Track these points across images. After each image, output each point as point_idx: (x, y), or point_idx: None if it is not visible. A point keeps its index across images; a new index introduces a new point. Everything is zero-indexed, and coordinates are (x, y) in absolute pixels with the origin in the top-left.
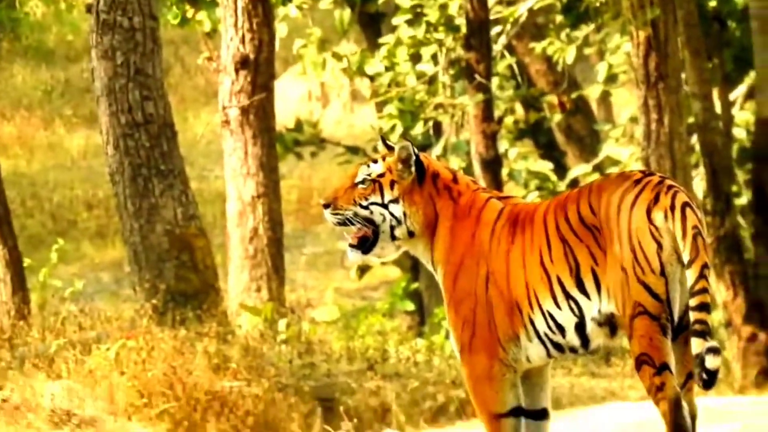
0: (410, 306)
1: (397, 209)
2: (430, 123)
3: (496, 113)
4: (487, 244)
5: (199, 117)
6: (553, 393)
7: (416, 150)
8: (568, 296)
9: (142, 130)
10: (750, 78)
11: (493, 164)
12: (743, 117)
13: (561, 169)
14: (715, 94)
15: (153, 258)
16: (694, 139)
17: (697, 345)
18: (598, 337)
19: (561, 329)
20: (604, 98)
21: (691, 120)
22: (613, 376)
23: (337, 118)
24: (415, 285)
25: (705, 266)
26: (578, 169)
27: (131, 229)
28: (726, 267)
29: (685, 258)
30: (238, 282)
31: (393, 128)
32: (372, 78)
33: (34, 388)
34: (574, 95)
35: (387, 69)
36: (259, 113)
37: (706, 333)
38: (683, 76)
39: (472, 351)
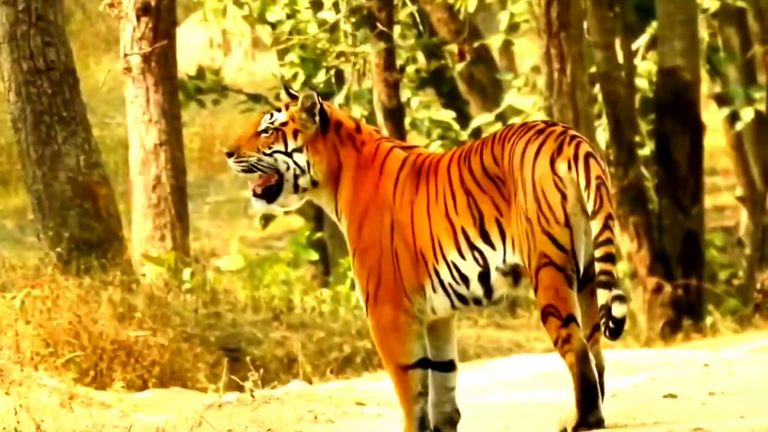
0: (314, 255)
1: (301, 158)
2: (332, 71)
3: (398, 62)
4: (391, 194)
5: (100, 64)
6: (459, 344)
7: (320, 99)
8: (473, 247)
9: (44, 77)
10: (652, 28)
11: (395, 113)
12: (645, 67)
13: (463, 119)
14: (618, 44)
15: (56, 206)
16: (597, 89)
17: (603, 296)
18: (501, 287)
19: (465, 279)
20: (506, 47)
21: (593, 70)
22: (519, 327)
23: (239, 65)
24: (319, 234)
25: (609, 217)
26: (481, 118)
27: (34, 176)
28: (630, 218)
29: (589, 208)
30: (141, 230)
31: (295, 76)
32: (273, 26)
33: None
34: (476, 44)
35: (288, 17)
36: (161, 60)
37: (611, 284)
38: (585, 25)
39: (378, 302)
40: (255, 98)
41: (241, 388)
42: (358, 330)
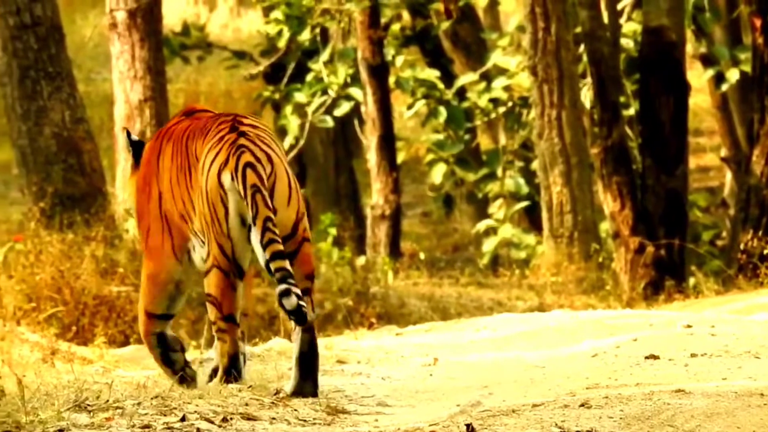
0: None
1: None
2: (317, 29)
3: (383, 20)
4: (155, 164)
5: (86, 19)
6: (440, 303)
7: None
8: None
9: (30, 32)
10: None
11: (379, 71)
12: (631, 27)
13: (448, 77)
14: (603, 3)
15: (41, 160)
16: (582, 49)
17: (288, 304)
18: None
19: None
20: (492, 6)
21: (578, 29)
22: (500, 286)
23: (224, 22)
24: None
25: (267, 219)
26: (465, 77)
27: (19, 131)
28: (613, 178)
29: (249, 215)
30: (125, 186)
31: (279, 33)
32: None
33: None
34: (461, 3)
35: None
36: (147, 16)
37: (286, 278)
38: None
39: (147, 258)
40: (240, 55)
41: None
42: (339, 287)
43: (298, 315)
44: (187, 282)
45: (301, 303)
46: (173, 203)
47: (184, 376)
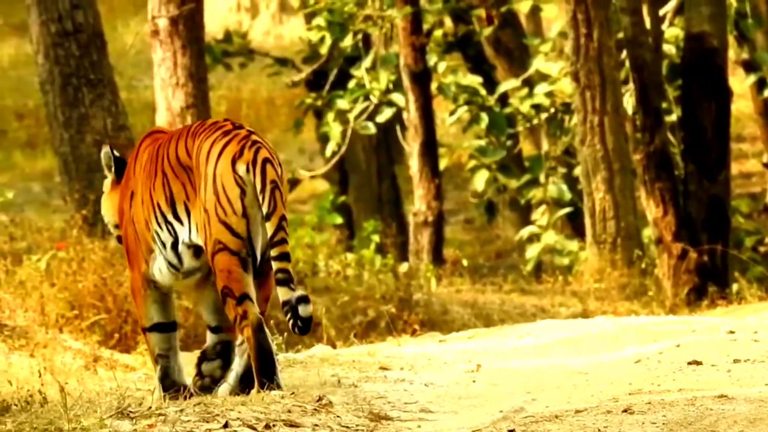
0: (338, 219)
1: None
2: (359, 35)
3: (425, 26)
4: (131, 170)
5: (128, 26)
6: (483, 309)
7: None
8: (166, 220)
9: (72, 39)
10: None
11: (421, 77)
12: (673, 33)
13: (490, 84)
14: (645, 9)
15: (83, 168)
16: (624, 55)
17: (282, 293)
18: (187, 257)
19: (164, 246)
20: (534, 12)
21: (620, 35)
22: (543, 293)
23: (266, 29)
24: (343, 198)
25: (282, 218)
26: (508, 83)
27: (61, 139)
28: (656, 184)
29: (264, 211)
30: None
31: (322, 40)
32: None
33: None
34: (503, 9)
35: None
36: (189, 23)
37: (288, 281)
38: None
39: (130, 267)
40: (282, 62)
41: None
42: (382, 294)
43: (307, 324)
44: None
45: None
46: (141, 209)
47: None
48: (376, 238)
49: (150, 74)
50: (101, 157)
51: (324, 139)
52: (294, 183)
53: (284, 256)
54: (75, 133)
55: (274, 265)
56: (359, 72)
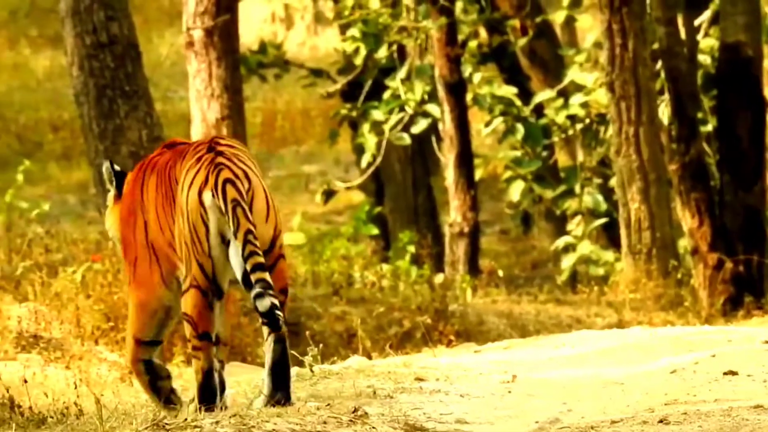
0: (374, 230)
1: None
2: (394, 46)
3: (460, 37)
4: (139, 195)
5: (163, 38)
6: (518, 320)
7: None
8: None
9: (107, 50)
10: (714, 3)
11: (457, 88)
12: (708, 43)
13: (525, 94)
14: (680, 19)
15: None
16: (659, 65)
17: (261, 305)
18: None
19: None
20: (569, 23)
21: (655, 46)
22: (579, 303)
23: (301, 40)
24: (379, 209)
25: (248, 232)
26: (543, 94)
27: (96, 150)
28: (691, 194)
29: (231, 229)
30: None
31: (356, 51)
32: (336, 0)
33: (0, 311)
34: (538, 19)
35: None
36: (224, 34)
37: (267, 288)
38: (647, 0)
39: (135, 286)
40: (317, 73)
41: (300, 363)
42: (417, 305)
43: (271, 318)
44: (176, 308)
45: (275, 303)
46: (160, 232)
47: (169, 400)
48: (411, 249)
49: (185, 85)
50: (102, 172)
51: (359, 150)
52: (329, 194)
53: (258, 267)
54: (110, 144)
55: (252, 277)
56: (394, 83)
